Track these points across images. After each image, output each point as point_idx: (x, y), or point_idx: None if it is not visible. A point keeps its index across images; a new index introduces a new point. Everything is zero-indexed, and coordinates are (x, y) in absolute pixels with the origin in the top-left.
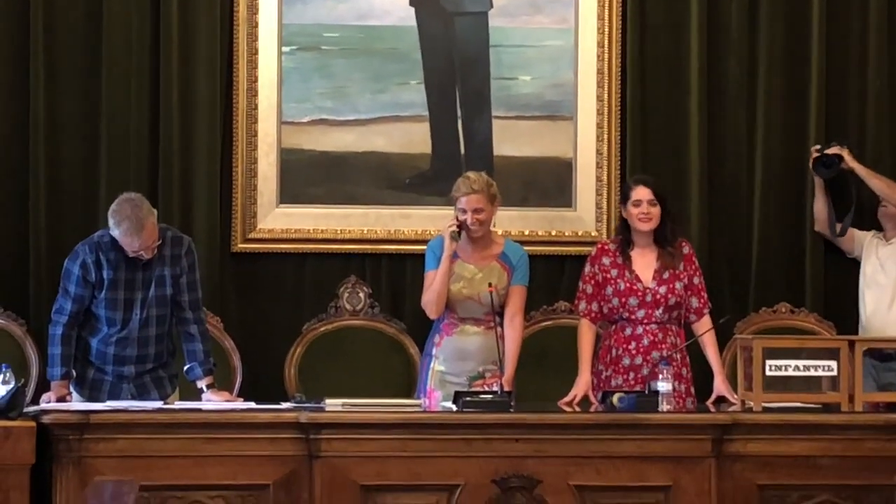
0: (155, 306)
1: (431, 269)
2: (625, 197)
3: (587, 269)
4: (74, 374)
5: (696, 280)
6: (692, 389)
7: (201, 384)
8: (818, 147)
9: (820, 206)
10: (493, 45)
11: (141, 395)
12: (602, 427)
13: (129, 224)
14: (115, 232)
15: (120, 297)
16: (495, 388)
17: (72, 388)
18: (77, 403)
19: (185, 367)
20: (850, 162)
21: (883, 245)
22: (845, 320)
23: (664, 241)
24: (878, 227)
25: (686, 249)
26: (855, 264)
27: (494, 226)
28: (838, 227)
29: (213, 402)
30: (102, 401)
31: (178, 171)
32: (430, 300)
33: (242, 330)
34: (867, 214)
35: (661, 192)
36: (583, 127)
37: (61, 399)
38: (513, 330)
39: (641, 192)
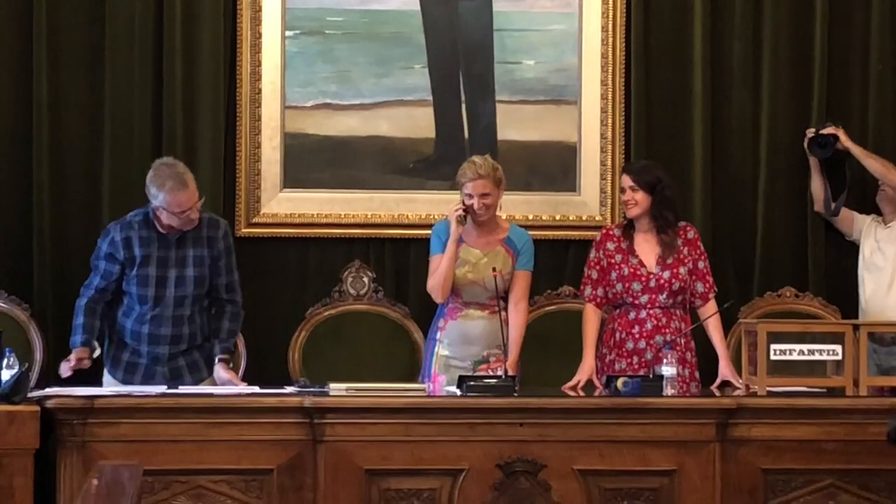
0: (191, 286)
1: (437, 254)
2: None
3: (592, 254)
4: (97, 345)
5: (700, 265)
6: (696, 374)
7: (216, 358)
8: (813, 129)
9: (816, 186)
10: (496, 29)
11: (175, 378)
12: (606, 411)
13: (173, 182)
14: (160, 196)
15: (151, 273)
16: (499, 373)
17: (106, 372)
18: (83, 388)
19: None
20: (846, 141)
21: (881, 228)
22: (850, 304)
23: (658, 226)
24: (879, 210)
25: (691, 234)
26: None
27: (500, 210)
28: (833, 205)
29: (219, 377)
30: (136, 384)
31: (181, 155)
32: (437, 284)
33: (246, 314)
34: (870, 196)
35: (646, 178)
36: (587, 111)
37: (79, 362)
38: (517, 315)
39: (624, 180)
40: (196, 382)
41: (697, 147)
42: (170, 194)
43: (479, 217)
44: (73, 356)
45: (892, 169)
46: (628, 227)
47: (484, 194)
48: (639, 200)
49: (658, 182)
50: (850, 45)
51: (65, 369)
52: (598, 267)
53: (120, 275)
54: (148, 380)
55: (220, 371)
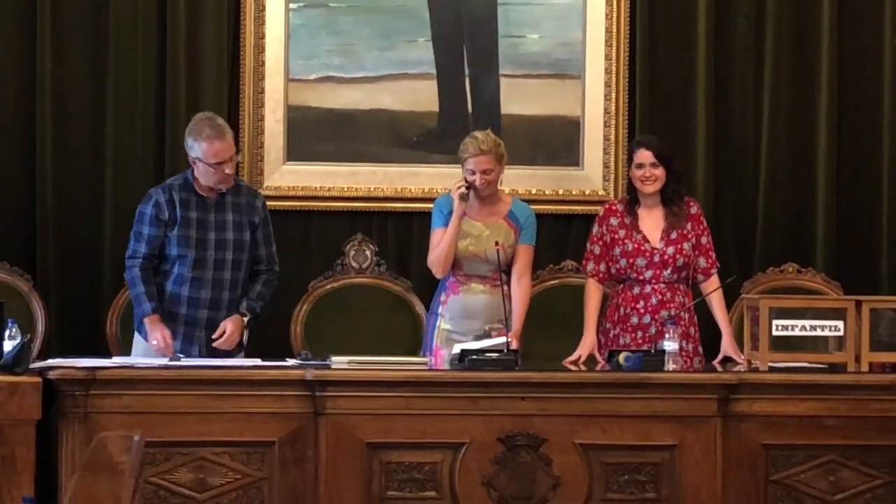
0: (231, 250)
1: (438, 227)
2: (629, 159)
3: (595, 229)
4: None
5: (703, 240)
6: (699, 349)
7: (238, 311)
8: None
9: None
10: (501, 2)
11: (211, 344)
12: (608, 386)
13: (210, 131)
14: (196, 146)
15: (192, 234)
16: (501, 345)
17: (137, 334)
18: (86, 360)
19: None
20: None
21: None
22: (851, 280)
23: (669, 200)
24: None
25: (694, 209)
26: (863, 223)
27: (501, 184)
28: None
29: (224, 325)
30: (175, 350)
31: (185, 127)
32: (438, 259)
33: None
34: None
35: (665, 152)
36: (590, 85)
37: (165, 335)
38: (520, 289)
39: (643, 155)
40: (233, 354)
41: (700, 122)
42: (206, 142)
43: (481, 193)
44: (158, 333)
45: None
46: (632, 203)
47: (486, 171)
48: (658, 176)
49: (672, 156)
50: (861, 18)
51: (158, 345)
52: (600, 242)
53: (164, 238)
54: (187, 344)
55: (228, 322)
